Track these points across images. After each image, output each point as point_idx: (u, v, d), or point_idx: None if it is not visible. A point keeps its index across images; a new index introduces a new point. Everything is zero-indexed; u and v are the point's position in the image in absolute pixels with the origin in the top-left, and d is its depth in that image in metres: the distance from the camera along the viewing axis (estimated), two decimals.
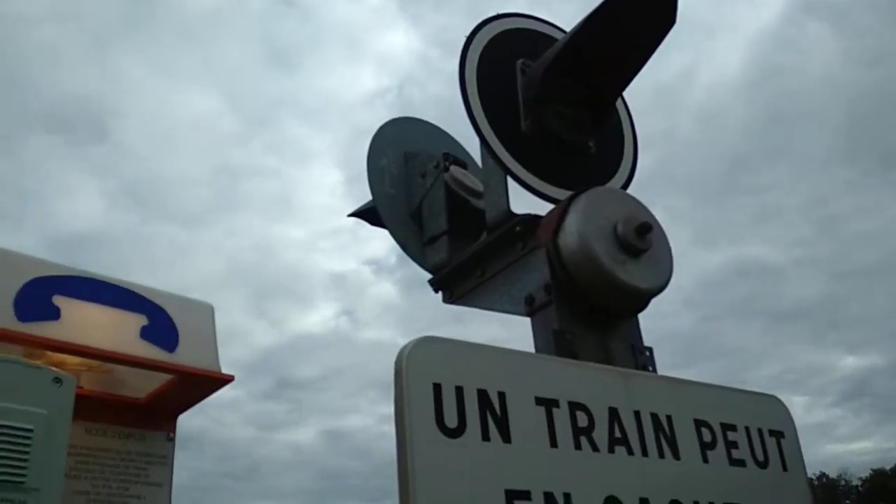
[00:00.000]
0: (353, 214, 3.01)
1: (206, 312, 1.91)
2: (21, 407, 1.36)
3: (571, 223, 1.94)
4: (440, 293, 2.52)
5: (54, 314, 1.61)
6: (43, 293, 1.62)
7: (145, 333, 1.74)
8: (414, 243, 2.60)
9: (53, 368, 1.46)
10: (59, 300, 1.63)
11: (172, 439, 1.94)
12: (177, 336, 1.79)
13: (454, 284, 2.44)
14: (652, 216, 2.09)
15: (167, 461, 1.89)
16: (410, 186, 2.70)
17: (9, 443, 1.33)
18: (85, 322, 1.65)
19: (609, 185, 2.42)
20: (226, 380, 1.87)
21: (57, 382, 1.43)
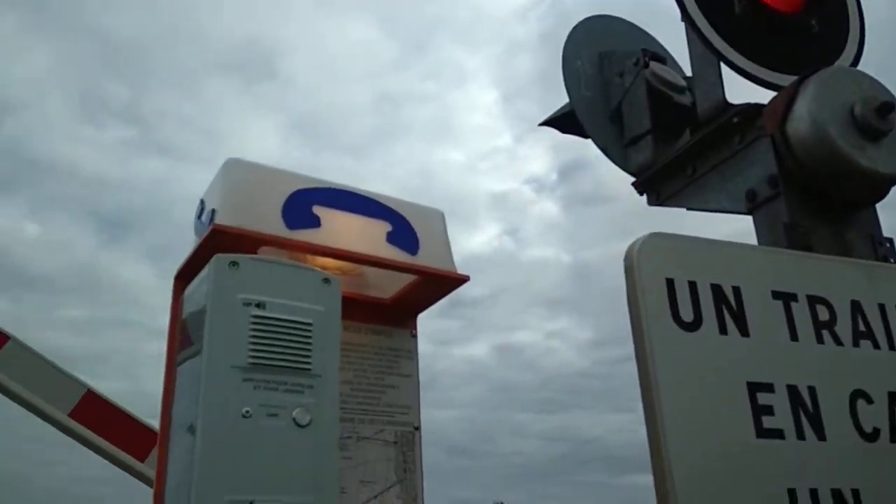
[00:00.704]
0: (544, 123, 2.95)
1: (438, 218, 2.03)
2: (302, 304, 1.56)
3: (802, 107, 1.76)
4: (644, 196, 2.46)
5: (315, 222, 1.79)
6: (304, 204, 1.80)
7: (390, 238, 1.89)
8: (615, 146, 2.51)
9: (321, 270, 1.65)
10: (318, 210, 1.81)
11: (415, 336, 2.10)
12: (417, 240, 1.92)
13: (661, 185, 2.34)
14: (892, 95, 1.89)
15: (412, 356, 2.06)
16: (608, 87, 2.57)
17: (296, 334, 1.53)
18: (340, 229, 1.82)
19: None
20: (462, 279, 1.98)
21: (326, 283, 1.61)
